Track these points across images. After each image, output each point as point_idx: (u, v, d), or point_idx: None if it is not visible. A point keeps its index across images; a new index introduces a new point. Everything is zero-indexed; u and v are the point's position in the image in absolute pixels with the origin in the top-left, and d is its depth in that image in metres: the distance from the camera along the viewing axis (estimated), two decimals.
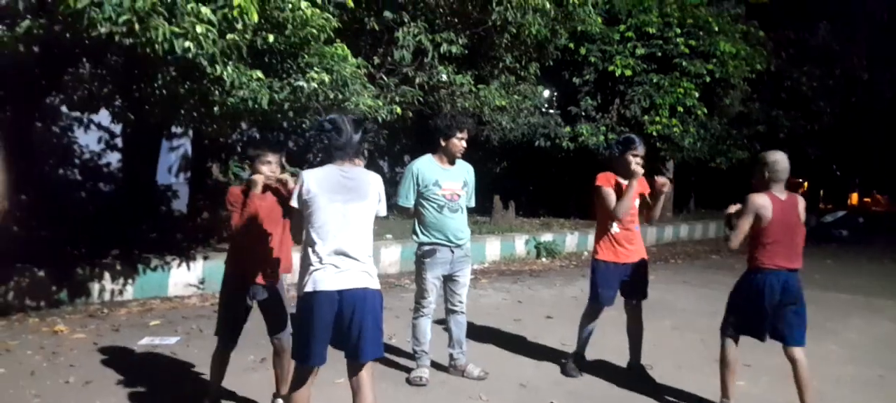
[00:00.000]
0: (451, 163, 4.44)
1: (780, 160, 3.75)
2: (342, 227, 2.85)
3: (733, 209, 3.96)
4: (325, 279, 2.80)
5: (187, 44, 4.18)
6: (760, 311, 3.74)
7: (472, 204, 4.61)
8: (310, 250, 2.86)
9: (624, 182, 4.36)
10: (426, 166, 4.41)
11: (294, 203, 2.93)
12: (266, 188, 3.48)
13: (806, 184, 25.98)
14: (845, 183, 32.22)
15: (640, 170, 4.34)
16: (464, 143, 4.40)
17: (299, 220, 2.96)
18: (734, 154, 16.22)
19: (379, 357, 2.98)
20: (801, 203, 3.85)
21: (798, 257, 3.78)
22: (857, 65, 19.41)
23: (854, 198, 33.83)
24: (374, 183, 2.98)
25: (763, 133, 17.04)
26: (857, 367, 5.15)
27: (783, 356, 3.84)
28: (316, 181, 2.87)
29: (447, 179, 4.39)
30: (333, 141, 2.89)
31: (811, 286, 8.33)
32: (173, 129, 8.78)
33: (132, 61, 5.10)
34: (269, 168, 3.54)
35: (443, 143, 4.40)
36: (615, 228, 4.44)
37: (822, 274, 9.98)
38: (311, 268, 2.83)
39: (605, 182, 4.42)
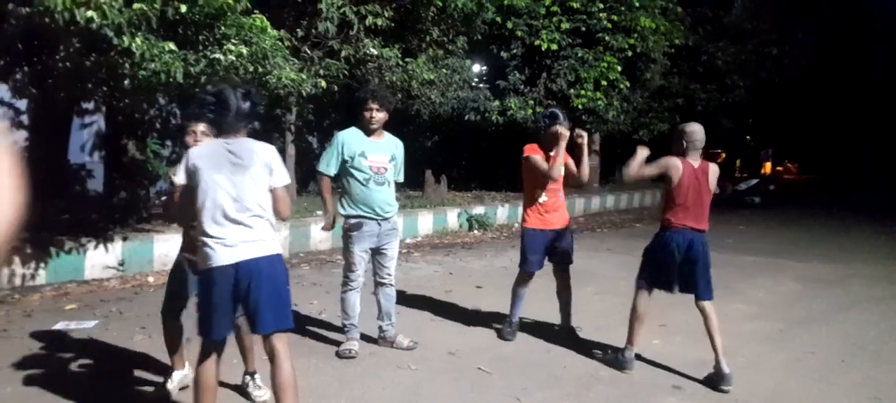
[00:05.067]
0: (368, 134, 4.41)
1: (696, 130, 4.07)
2: (229, 199, 2.77)
3: (644, 150, 4.21)
4: (218, 254, 2.74)
5: (90, 13, 3.95)
6: (669, 267, 4.06)
7: (401, 178, 4.60)
8: (200, 226, 2.79)
9: (551, 154, 4.57)
10: (353, 137, 4.38)
11: (181, 179, 2.86)
12: None
13: (723, 154, 27.30)
14: (759, 153, 34.12)
15: (566, 132, 4.48)
16: (375, 115, 4.33)
17: (185, 197, 2.88)
18: (655, 126, 16.86)
19: (288, 328, 2.90)
20: (714, 170, 4.14)
21: (704, 220, 4.09)
22: (767, 41, 20.44)
23: (767, 167, 35.74)
24: (260, 152, 2.86)
25: (682, 105, 17.80)
26: (760, 323, 5.53)
27: (694, 317, 4.14)
28: (199, 156, 2.82)
29: (374, 152, 4.37)
30: (218, 115, 2.83)
31: (723, 249, 8.90)
32: (84, 105, 8.30)
33: (32, 31, 4.78)
34: (193, 138, 3.44)
35: (358, 114, 4.40)
36: (543, 197, 4.64)
37: (734, 238, 10.58)
38: (203, 244, 2.77)
39: (533, 151, 4.62)
